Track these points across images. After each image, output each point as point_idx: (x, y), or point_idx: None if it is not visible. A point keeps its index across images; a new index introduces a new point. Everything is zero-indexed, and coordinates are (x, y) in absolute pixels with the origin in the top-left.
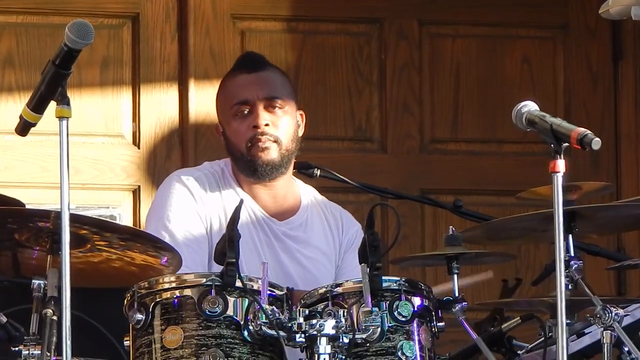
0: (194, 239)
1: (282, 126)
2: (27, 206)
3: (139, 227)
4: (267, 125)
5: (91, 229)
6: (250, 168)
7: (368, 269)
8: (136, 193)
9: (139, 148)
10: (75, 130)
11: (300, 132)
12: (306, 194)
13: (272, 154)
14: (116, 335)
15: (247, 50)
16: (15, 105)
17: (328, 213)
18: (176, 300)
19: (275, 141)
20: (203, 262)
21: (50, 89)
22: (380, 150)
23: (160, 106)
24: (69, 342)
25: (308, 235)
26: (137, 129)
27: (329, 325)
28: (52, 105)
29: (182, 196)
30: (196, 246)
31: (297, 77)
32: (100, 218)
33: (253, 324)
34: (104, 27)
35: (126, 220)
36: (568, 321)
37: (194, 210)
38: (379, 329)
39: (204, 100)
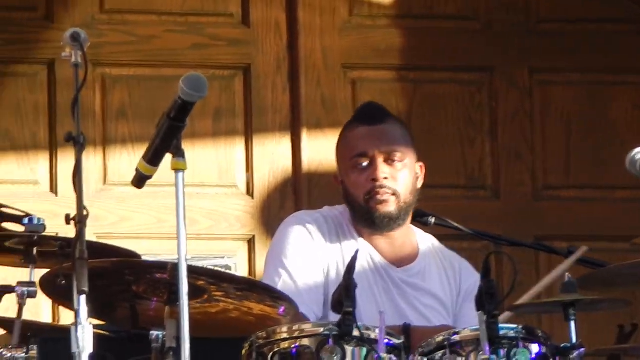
0: (311, 277)
1: (400, 179)
2: (143, 257)
3: (254, 276)
4: (385, 178)
5: (208, 280)
6: (367, 219)
7: (485, 317)
8: (251, 242)
9: (252, 198)
10: (189, 181)
11: (419, 184)
12: (425, 242)
13: (390, 206)
14: None
15: (368, 101)
16: (129, 157)
17: (446, 262)
18: (294, 350)
19: (393, 194)
20: (319, 300)
21: (166, 141)
22: (493, 197)
23: (273, 156)
24: None
25: (426, 283)
26: (251, 179)
27: None
28: (167, 156)
29: (301, 236)
30: (313, 284)
31: (408, 126)
32: (216, 269)
33: None
34: (216, 79)
35: (241, 269)
36: None
37: (312, 250)
38: None
39: (316, 150)
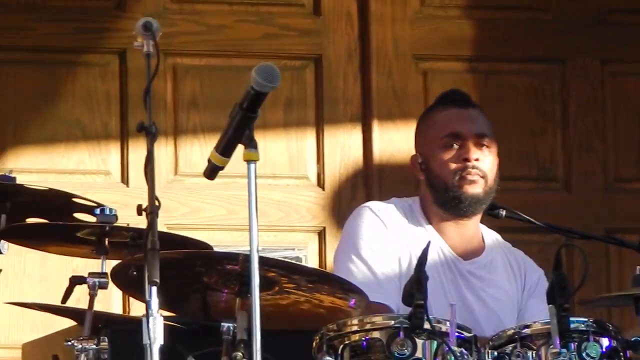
0: (388, 265)
1: (488, 163)
2: (214, 249)
3: (325, 268)
4: (477, 160)
5: (279, 272)
6: (453, 200)
7: (556, 310)
8: (321, 234)
9: (323, 189)
10: (260, 172)
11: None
12: (490, 236)
13: (478, 188)
14: None
15: (452, 88)
16: (200, 148)
17: (511, 257)
18: (365, 342)
19: (482, 177)
20: (397, 289)
21: (238, 132)
22: (564, 189)
23: (344, 147)
24: None
25: (493, 276)
26: (322, 170)
27: None
28: (238, 147)
29: (375, 225)
30: (391, 272)
31: None
32: (287, 260)
33: None
34: (287, 69)
35: (312, 261)
36: None
37: (386, 238)
38: None
39: (387, 141)
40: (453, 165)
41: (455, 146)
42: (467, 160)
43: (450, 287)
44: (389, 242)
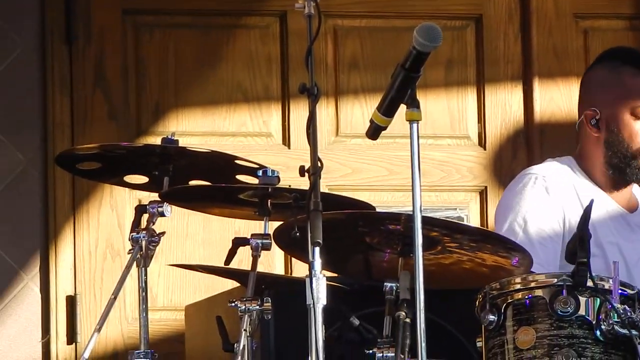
0: (547, 237)
1: None
2: (376, 209)
3: (487, 228)
4: None
5: (442, 231)
6: (634, 170)
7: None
8: (483, 194)
9: (484, 149)
10: (421, 132)
11: None
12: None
13: None
14: (467, 336)
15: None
16: (361, 109)
17: None
18: (528, 300)
19: None
20: (555, 261)
21: (400, 92)
22: None
23: (505, 106)
24: (424, 345)
25: None
26: (483, 130)
27: None
28: (400, 108)
29: (537, 193)
30: (550, 244)
31: None
32: (449, 220)
33: (605, 323)
34: (448, 29)
35: (473, 221)
36: None
37: (549, 207)
38: None
39: (548, 100)
40: None
41: None
42: None
43: (625, 241)
44: (550, 210)
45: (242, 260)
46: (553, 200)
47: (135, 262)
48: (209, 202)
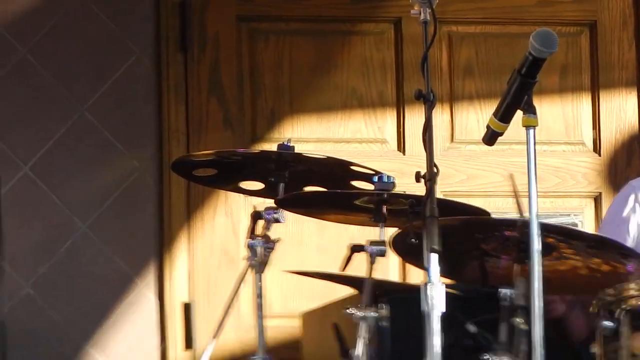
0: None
1: None
2: (492, 215)
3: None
4: None
5: (558, 237)
6: None
7: None
8: (597, 200)
9: (599, 155)
10: (537, 138)
11: None
12: None
13: None
14: (582, 343)
15: None
16: (476, 115)
17: None
18: None
19: None
20: None
21: (517, 98)
22: None
23: (619, 113)
24: (541, 352)
25: None
26: (597, 136)
27: None
28: (516, 113)
29: (622, 203)
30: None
31: None
32: (566, 226)
33: None
34: (562, 35)
35: (588, 227)
36: None
37: (626, 219)
38: None
39: None
40: None
41: None
42: None
43: None
44: (626, 223)
45: (356, 266)
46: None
47: (250, 269)
48: (324, 208)
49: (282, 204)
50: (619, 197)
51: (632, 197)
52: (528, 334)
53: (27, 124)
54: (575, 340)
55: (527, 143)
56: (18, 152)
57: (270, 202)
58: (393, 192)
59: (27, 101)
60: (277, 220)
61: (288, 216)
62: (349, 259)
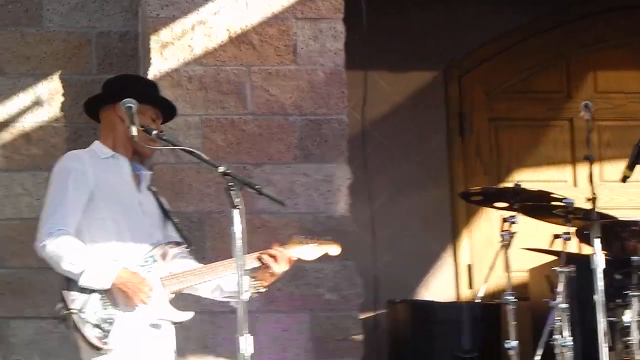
0: None
1: None
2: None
3: None
4: None
5: None
6: None
7: None
8: None
9: None
10: None
11: None
12: None
13: None
14: None
15: None
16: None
17: None
18: None
19: None
20: None
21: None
22: None
23: None
24: None
25: None
26: None
27: None
28: None
29: None
30: None
31: None
32: None
33: None
34: None
35: None
36: None
37: None
38: None
39: None
40: None
41: None
42: None
43: None
44: None
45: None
46: None
47: (504, 249)
48: (544, 216)
49: (521, 212)
50: None
51: None
52: None
53: None
54: None
55: None
56: None
57: (510, 213)
58: (574, 206)
59: None
60: (513, 222)
61: (520, 219)
62: (552, 242)
